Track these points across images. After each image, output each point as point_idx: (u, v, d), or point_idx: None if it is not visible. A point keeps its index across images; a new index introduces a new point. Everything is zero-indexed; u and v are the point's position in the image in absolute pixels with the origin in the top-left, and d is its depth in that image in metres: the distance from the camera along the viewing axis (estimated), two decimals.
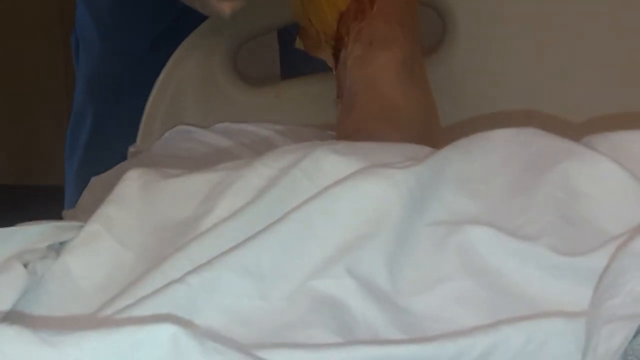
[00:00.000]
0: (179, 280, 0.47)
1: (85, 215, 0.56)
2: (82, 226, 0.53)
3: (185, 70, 0.95)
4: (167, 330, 0.37)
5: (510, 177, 0.53)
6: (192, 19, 0.96)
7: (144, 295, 0.46)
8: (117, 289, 0.49)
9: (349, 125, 0.79)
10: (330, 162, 0.54)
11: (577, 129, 0.86)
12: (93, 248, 0.51)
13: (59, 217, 0.76)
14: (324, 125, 0.91)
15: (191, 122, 0.88)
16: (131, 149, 0.90)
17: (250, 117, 0.91)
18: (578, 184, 0.50)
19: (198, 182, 0.55)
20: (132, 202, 0.54)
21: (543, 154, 0.53)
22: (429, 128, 0.81)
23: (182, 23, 0.99)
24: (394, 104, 0.79)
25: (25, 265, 0.48)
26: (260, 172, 0.54)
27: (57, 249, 0.52)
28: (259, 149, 0.83)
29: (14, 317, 0.46)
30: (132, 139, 0.97)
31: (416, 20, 0.86)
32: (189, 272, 0.47)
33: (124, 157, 0.91)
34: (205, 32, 0.95)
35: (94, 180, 0.82)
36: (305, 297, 0.48)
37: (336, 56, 0.84)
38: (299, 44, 0.91)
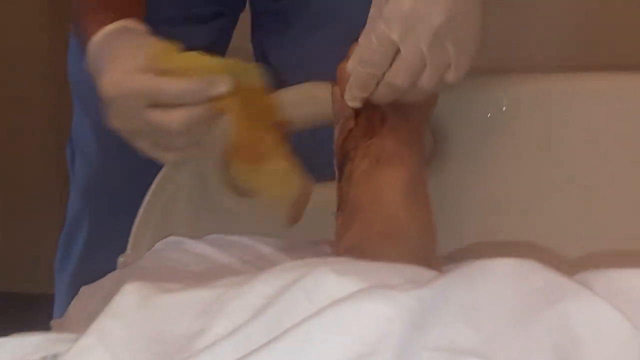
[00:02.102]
0: None
1: (74, 325, 0.56)
2: (75, 338, 0.53)
3: (177, 179, 0.97)
4: None
5: (510, 310, 0.53)
6: None
7: None
8: None
9: (349, 238, 0.80)
10: (330, 282, 0.54)
11: (573, 264, 0.87)
12: None
13: (43, 325, 0.76)
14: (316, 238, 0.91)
15: (182, 231, 0.89)
16: (121, 259, 0.91)
17: (242, 226, 0.92)
18: (575, 327, 0.50)
19: (195, 298, 0.56)
20: (129, 316, 0.54)
21: (542, 289, 0.54)
22: (427, 248, 0.82)
23: None
24: (397, 222, 0.81)
25: None
26: (259, 290, 0.55)
27: None
28: (251, 262, 0.83)
29: None
30: None
31: (422, 142, 0.89)
32: None
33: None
34: None
35: (84, 289, 0.82)
36: None
37: (340, 170, 0.86)
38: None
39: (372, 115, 0.86)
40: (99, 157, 1.10)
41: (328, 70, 0.91)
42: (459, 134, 0.94)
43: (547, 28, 1.52)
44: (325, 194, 0.91)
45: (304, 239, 0.92)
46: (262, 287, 0.55)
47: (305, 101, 0.96)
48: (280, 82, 1.00)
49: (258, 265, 0.83)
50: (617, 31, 1.50)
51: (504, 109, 0.95)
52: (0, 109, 1.92)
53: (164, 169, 0.95)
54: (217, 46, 1.12)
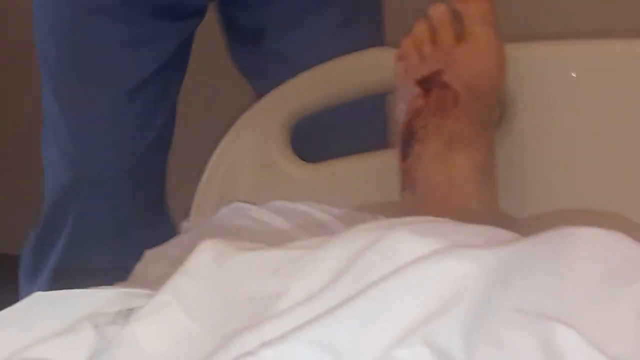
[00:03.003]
0: (253, 352, 0.46)
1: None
2: (150, 294, 0.52)
3: (239, 146, 0.96)
4: None
5: (594, 282, 0.52)
6: None
7: None
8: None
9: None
10: (408, 243, 0.54)
11: None
12: (162, 318, 0.51)
13: None
14: (380, 205, 0.90)
15: (245, 198, 0.88)
16: (184, 224, 0.90)
17: (304, 194, 0.91)
18: None
19: (271, 258, 0.55)
20: (204, 274, 0.54)
21: (629, 263, 0.52)
22: None
23: None
24: (469, 206, 0.80)
25: (95, 328, 0.48)
26: (335, 253, 0.54)
27: (125, 315, 0.51)
28: (315, 231, 0.82)
29: None
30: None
31: (494, 120, 0.87)
32: (263, 345, 0.46)
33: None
34: (260, 108, 0.96)
35: (149, 253, 0.81)
36: None
37: (405, 148, 0.84)
38: None
39: (443, 95, 0.84)
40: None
41: None
42: (527, 100, 0.91)
43: None
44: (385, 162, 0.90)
45: (365, 207, 0.91)
46: (338, 250, 0.54)
47: (370, 67, 0.94)
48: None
49: (317, 234, 0.82)
50: None
51: (574, 75, 0.92)
52: None
53: (227, 134, 0.95)
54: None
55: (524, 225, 0.88)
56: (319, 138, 1.02)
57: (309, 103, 0.96)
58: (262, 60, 1.13)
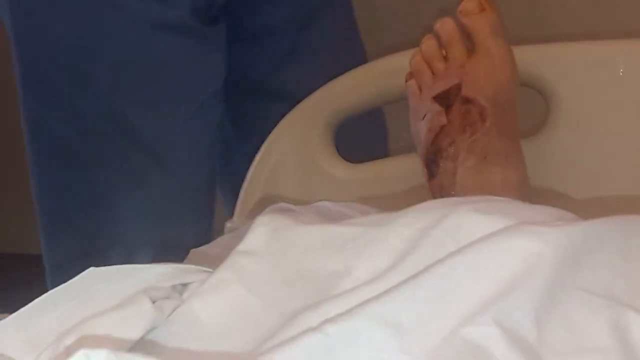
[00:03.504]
0: (317, 328, 0.45)
1: None
2: (205, 271, 0.51)
3: (283, 146, 0.96)
4: None
5: None
6: None
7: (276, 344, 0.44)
8: (242, 337, 0.48)
9: None
10: (474, 221, 0.53)
11: None
12: (222, 294, 0.50)
13: None
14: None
15: (289, 199, 0.87)
16: (228, 224, 0.89)
17: (348, 194, 0.90)
18: None
19: (332, 234, 0.54)
20: (263, 249, 0.53)
21: None
22: None
23: None
24: None
25: (152, 302, 0.46)
26: (399, 232, 0.53)
27: (180, 290, 0.50)
28: None
29: (143, 346, 0.46)
30: None
31: (519, 134, 0.86)
32: (327, 321, 0.46)
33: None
34: (304, 108, 0.96)
35: (193, 252, 0.80)
36: (448, 351, 0.45)
37: (431, 167, 0.83)
38: None
39: (469, 110, 0.82)
40: None
41: None
42: (574, 99, 0.90)
43: None
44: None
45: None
46: (402, 229, 0.53)
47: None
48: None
49: None
50: None
51: (621, 72, 0.91)
52: None
53: (271, 135, 0.94)
54: None
55: (581, 206, 0.86)
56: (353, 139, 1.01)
57: (352, 104, 0.95)
58: (267, 67, 1.10)
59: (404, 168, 0.94)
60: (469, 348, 0.45)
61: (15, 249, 2.37)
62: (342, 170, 0.94)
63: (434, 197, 0.84)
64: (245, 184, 0.93)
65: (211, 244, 0.82)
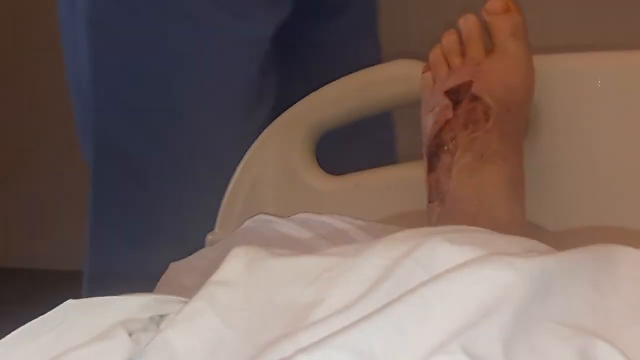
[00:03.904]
0: (288, 358, 0.45)
1: None
2: (182, 301, 0.52)
3: (263, 158, 0.96)
4: None
5: (635, 303, 0.51)
6: None
7: None
8: None
9: None
10: (446, 252, 0.53)
11: None
12: (196, 324, 0.50)
13: None
14: (405, 216, 0.90)
15: (270, 210, 0.88)
16: (209, 237, 0.90)
17: (329, 206, 0.91)
18: None
19: (306, 265, 0.55)
20: (238, 280, 0.54)
21: None
22: None
23: None
24: (499, 220, 0.80)
25: (129, 334, 0.47)
26: (372, 262, 0.54)
27: (158, 321, 0.51)
28: (338, 242, 0.81)
29: None
30: None
31: (524, 134, 0.87)
32: (299, 351, 0.46)
33: None
34: (284, 121, 0.96)
35: (172, 266, 0.81)
36: None
37: (431, 160, 0.84)
38: None
39: (474, 107, 0.83)
40: None
41: None
42: (553, 111, 0.91)
43: None
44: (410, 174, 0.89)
45: (390, 218, 0.91)
46: (375, 259, 0.54)
47: (396, 79, 0.93)
48: None
49: (339, 244, 0.81)
50: None
51: (599, 84, 0.91)
52: None
53: (252, 146, 0.95)
54: None
55: (554, 238, 0.87)
56: (336, 150, 1.02)
57: (334, 115, 0.96)
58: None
59: (385, 179, 0.95)
60: None
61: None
62: (323, 182, 0.95)
63: (430, 191, 0.85)
64: (226, 196, 0.94)
65: (191, 256, 0.83)
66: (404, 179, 0.93)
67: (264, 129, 0.98)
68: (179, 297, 0.53)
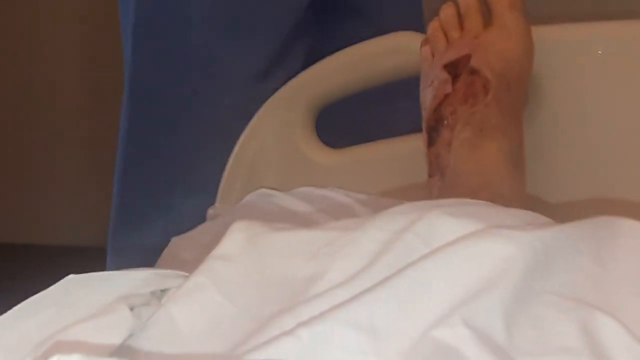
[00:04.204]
0: (289, 332, 0.46)
1: None
2: (183, 275, 0.52)
3: (264, 132, 0.96)
4: None
5: (635, 273, 0.52)
6: None
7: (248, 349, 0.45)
8: (218, 341, 0.49)
9: None
10: (446, 225, 0.53)
11: None
12: (198, 299, 0.50)
13: None
14: (405, 189, 0.89)
15: (271, 184, 0.88)
16: (210, 211, 0.90)
17: (330, 180, 0.91)
18: None
19: (307, 239, 0.55)
20: (239, 255, 0.54)
21: None
22: None
23: None
24: (499, 194, 0.79)
25: (130, 309, 0.47)
26: (373, 235, 0.54)
27: (159, 296, 0.51)
28: (338, 215, 0.81)
29: (120, 351, 0.47)
30: None
31: (523, 107, 0.86)
32: (300, 325, 0.46)
33: None
34: (283, 95, 0.96)
35: (174, 240, 0.81)
36: (421, 352, 0.46)
37: (431, 134, 0.83)
38: None
39: (473, 81, 0.83)
40: None
41: None
42: (553, 81, 0.90)
43: None
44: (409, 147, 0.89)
45: (391, 192, 0.91)
46: (375, 232, 0.54)
47: (394, 51, 0.93)
48: None
49: (340, 217, 0.81)
50: None
51: (599, 53, 0.91)
52: None
53: (252, 121, 0.94)
54: None
55: (555, 211, 0.87)
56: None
57: (333, 88, 0.96)
58: None
59: (385, 153, 0.95)
60: (440, 349, 0.46)
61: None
62: (323, 155, 0.95)
63: (430, 166, 0.85)
64: (227, 170, 0.94)
65: (192, 231, 0.83)
66: (406, 151, 0.93)
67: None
68: (181, 271, 0.54)
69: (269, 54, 1.03)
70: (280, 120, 0.96)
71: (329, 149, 0.96)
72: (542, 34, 0.90)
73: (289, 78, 0.98)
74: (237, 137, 0.97)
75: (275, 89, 0.98)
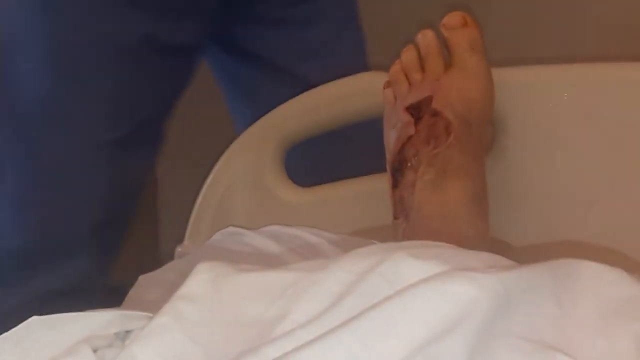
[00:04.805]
0: None
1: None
2: (148, 316, 0.52)
3: (233, 170, 0.96)
4: None
5: (596, 317, 0.52)
6: None
7: None
8: None
9: None
10: (410, 266, 0.53)
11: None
12: (161, 340, 0.50)
13: None
14: (374, 230, 0.90)
15: (240, 222, 0.88)
16: (178, 249, 0.90)
17: (299, 218, 0.91)
18: None
19: (272, 280, 0.55)
20: (203, 296, 0.53)
21: (630, 302, 0.52)
22: None
23: None
24: (463, 235, 0.80)
25: (94, 351, 0.47)
26: (337, 276, 0.54)
27: (123, 337, 0.51)
28: (308, 255, 0.82)
29: None
30: None
31: (485, 148, 0.87)
32: None
33: None
34: (253, 132, 0.96)
35: (141, 278, 0.81)
36: None
37: (395, 176, 0.84)
38: None
39: (435, 123, 0.84)
40: None
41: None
42: (520, 124, 0.91)
43: (609, 15, 1.49)
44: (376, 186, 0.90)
45: (359, 231, 0.91)
46: (340, 273, 0.54)
47: (364, 91, 0.94)
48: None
49: (308, 257, 0.82)
50: None
51: (565, 97, 0.92)
52: None
53: (221, 159, 0.95)
54: None
55: (518, 253, 0.87)
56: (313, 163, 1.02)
57: (302, 128, 0.96)
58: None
59: (354, 191, 0.96)
60: None
61: None
62: (292, 194, 0.96)
63: (395, 208, 0.85)
64: (196, 208, 0.94)
65: (162, 269, 0.83)
66: (374, 191, 0.94)
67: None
68: (145, 312, 0.53)
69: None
70: (249, 158, 0.96)
71: (297, 187, 0.96)
72: (510, 75, 0.91)
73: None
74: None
75: None
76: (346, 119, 0.96)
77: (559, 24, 1.48)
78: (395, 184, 0.85)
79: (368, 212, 0.93)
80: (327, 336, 0.48)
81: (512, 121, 0.91)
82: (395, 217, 0.84)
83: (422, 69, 0.87)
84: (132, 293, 0.77)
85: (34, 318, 0.50)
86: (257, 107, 1.02)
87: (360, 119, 0.95)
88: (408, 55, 0.88)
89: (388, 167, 0.87)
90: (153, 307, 0.55)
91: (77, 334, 0.49)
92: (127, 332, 0.51)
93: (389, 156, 0.87)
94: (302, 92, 0.97)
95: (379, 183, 0.92)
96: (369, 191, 0.95)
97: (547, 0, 1.49)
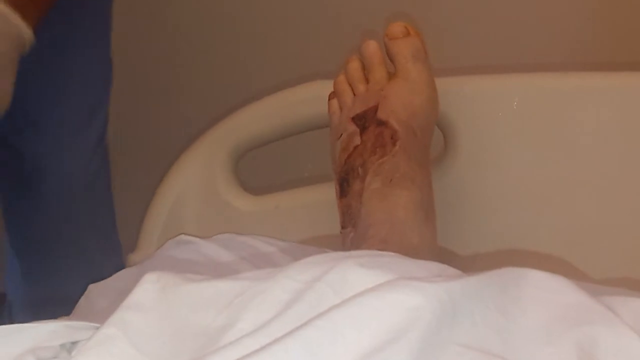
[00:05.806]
0: None
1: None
2: (94, 327, 0.52)
3: (185, 179, 0.96)
4: None
5: (539, 324, 0.53)
6: None
7: None
8: None
9: None
10: (357, 275, 0.54)
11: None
12: (108, 351, 0.50)
13: None
14: (326, 238, 0.90)
15: (192, 230, 0.87)
16: (130, 257, 0.89)
17: (251, 226, 0.91)
18: (602, 354, 0.50)
19: (220, 290, 0.55)
20: (150, 306, 0.53)
21: (572, 309, 0.53)
22: None
23: None
24: (410, 243, 0.80)
25: None
26: (284, 285, 0.54)
27: (69, 348, 0.50)
28: (260, 264, 0.81)
29: None
30: None
31: (430, 156, 0.88)
32: None
33: None
34: (206, 141, 0.96)
35: (91, 287, 0.80)
36: None
37: (342, 186, 0.84)
38: None
39: (381, 132, 0.84)
40: None
41: None
42: (470, 132, 0.92)
43: (557, 25, 1.51)
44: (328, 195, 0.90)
45: (311, 239, 0.91)
46: (287, 281, 0.54)
47: (315, 99, 0.94)
48: None
49: (259, 265, 0.82)
50: (625, 28, 1.49)
51: (515, 105, 0.93)
52: None
53: (172, 167, 0.94)
54: None
55: (464, 262, 0.88)
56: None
57: (254, 136, 0.96)
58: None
59: (306, 200, 0.96)
60: None
61: None
62: (244, 201, 0.95)
63: (342, 217, 0.86)
64: (147, 216, 0.93)
65: (112, 277, 0.82)
66: (326, 199, 0.94)
67: None
68: (93, 322, 0.53)
69: None
70: (201, 166, 0.96)
71: (250, 195, 0.96)
72: (459, 84, 0.92)
73: None
74: None
75: None
76: (297, 126, 0.96)
77: (507, 32, 1.50)
78: (342, 194, 0.86)
79: (321, 220, 0.94)
80: (273, 345, 0.48)
81: (461, 130, 0.92)
82: (343, 227, 0.85)
83: (367, 79, 0.88)
84: (82, 302, 0.77)
85: None
86: None
87: (311, 127, 0.96)
88: (352, 66, 0.89)
89: (335, 177, 0.87)
90: (102, 316, 0.54)
91: (22, 345, 0.49)
92: (74, 343, 0.51)
93: (335, 166, 0.87)
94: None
95: (331, 191, 0.93)
96: (323, 199, 0.95)
97: (491, 9, 1.51)
